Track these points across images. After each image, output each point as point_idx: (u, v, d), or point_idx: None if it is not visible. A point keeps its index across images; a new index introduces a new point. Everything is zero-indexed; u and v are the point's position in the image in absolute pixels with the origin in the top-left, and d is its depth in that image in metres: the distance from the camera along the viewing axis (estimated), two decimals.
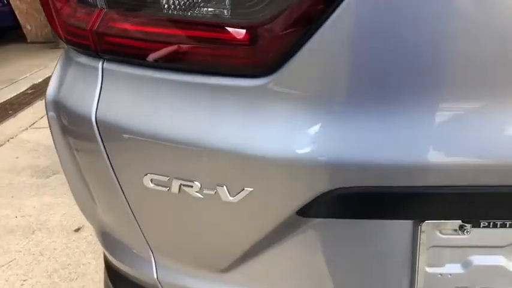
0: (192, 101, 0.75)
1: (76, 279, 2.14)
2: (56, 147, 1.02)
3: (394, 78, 0.66)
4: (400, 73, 0.65)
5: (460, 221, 0.75)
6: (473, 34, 0.62)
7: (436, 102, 0.67)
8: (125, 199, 0.91)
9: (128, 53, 0.80)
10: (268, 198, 0.76)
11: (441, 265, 0.81)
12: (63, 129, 0.94)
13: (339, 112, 0.69)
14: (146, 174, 0.82)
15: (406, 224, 0.77)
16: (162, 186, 0.82)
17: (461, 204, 0.72)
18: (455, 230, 0.76)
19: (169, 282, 1.04)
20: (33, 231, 2.53)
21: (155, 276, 1.04)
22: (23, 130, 4.02)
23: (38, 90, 5.17)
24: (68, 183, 1.11)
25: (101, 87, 0.82)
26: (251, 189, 0.75)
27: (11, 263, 2.28)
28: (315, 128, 0.70)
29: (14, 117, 4.35)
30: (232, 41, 0.70)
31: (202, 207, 0.82)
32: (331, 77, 0.68)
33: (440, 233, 0.77)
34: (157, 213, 0.91)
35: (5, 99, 4.89)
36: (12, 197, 2.90)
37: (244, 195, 0.76)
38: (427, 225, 0.75)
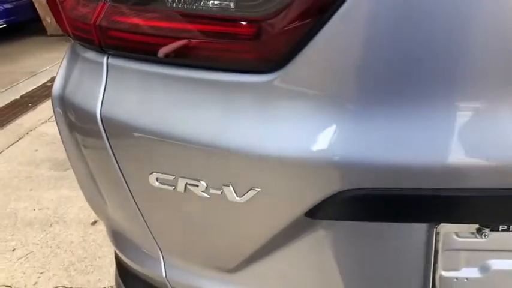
0: (197, 98, 0.73)
1: (92, 272, 2.15)
2: (63, 144, 1.00)
3: (410, 74, 0.62)
4: (417, 68, 0.61)
5: (477, 224, 0.71)
6: (491, 32, 0.58)
7: (456, 102, 0.62)
8: (132, 198, 0.89)
9: (132, 47, 0.77)
10: (276, 199, 0.73)
11: (457, 269, 0.78)
12: (69, 126, 0.92)
13: (349, 111, 0.65)
14: (152, 173, 0.80)
15: (421, 227, 0.73)
16: (167, 185, 0.80)
17: (478, 207, 0.68)
18: (473, 233, 0.73)
19: (178, 281, 1.03)
20: (51, 224, 2.55)
21: (164, 275, 1.03)
22: (42, 123, 4.05)
23: None
24: (77, 180, 1.10)
25: (106, 82, 0.81)
26: (259, 189, 0.72)
27: (28, 255, 2.30)
28: (325, 127, 0.66)
29: (34, 110, 4.38)
30: (237, 34, 0.67)
31: (209, 207, 0.80)
32: (341, 73, 0.64)
33: (457, 236, 0.74)
34: (164, 212, 0.90)
35: (25, 92, 4.94)
36: (30, 189, 2.93)
37: (252, 195, 0.73)
38: (443, 228, 0.72)
